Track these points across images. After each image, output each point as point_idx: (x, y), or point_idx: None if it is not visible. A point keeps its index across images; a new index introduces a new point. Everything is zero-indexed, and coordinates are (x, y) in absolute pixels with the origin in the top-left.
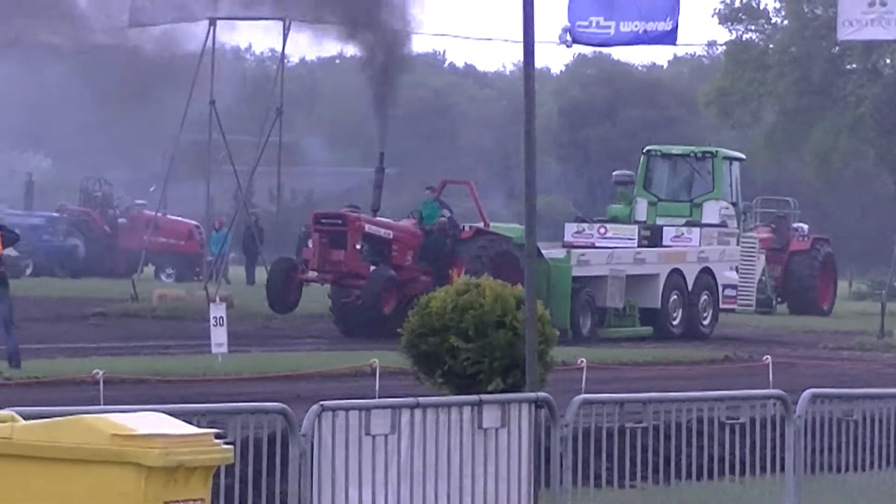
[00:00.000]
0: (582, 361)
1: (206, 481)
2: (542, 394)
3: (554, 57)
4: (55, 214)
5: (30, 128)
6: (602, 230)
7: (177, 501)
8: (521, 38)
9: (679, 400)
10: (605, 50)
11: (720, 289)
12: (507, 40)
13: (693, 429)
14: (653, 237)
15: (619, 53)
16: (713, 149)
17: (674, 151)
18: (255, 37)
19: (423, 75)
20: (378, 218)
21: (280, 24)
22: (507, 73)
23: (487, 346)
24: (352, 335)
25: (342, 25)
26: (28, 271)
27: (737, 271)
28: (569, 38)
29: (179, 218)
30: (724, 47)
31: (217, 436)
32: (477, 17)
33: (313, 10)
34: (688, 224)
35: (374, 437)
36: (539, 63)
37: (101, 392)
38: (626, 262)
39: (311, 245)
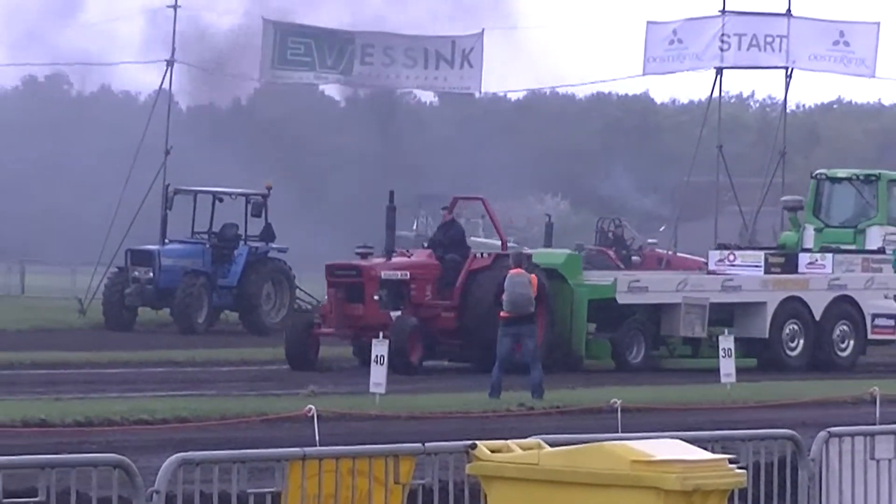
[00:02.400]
0: None
1: None
2: None
3: None
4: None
5: (551, 174)
6: (732, 257)
7: None
8: None
9: None
10: None
11: (868, 318)
12: None
13: None
14: (787, 264)
15: None
16: (877, 171)
17: (840, 175)
18: (759, 84)
19: None
20: (393, 259)
21: (782, 72)
22: None
23: None
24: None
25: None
26: None
27: None
28: None
29: (689, 255)
30: None
31: (730, 461)
32: None
33: (811, 62)
34: (822, 250)
35: (878, 461)
36: None
37: (618, 420)
38: (711, 290)
39: (327, 299)
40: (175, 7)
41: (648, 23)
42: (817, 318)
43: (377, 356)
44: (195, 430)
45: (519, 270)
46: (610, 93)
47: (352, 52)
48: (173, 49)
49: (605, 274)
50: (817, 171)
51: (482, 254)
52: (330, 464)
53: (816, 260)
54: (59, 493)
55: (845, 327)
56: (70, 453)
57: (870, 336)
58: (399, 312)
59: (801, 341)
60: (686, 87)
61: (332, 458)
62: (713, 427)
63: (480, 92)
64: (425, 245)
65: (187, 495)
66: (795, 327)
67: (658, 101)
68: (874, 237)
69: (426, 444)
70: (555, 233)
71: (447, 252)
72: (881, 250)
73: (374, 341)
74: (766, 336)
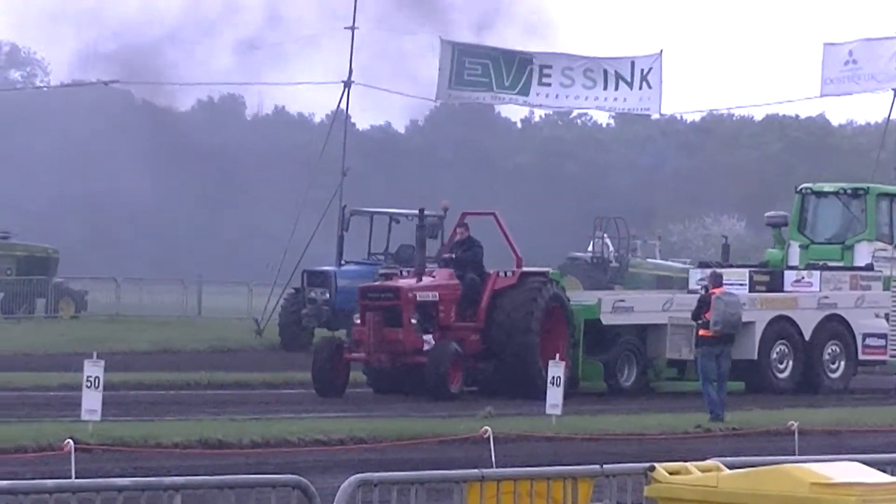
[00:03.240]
0: None
1: None
2: None
3: None
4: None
5: (727, 195)
6: None
7: None
8: None
9: None
10: None
11: (859, 338)
12: None
13: None
14: (773, 282)
15: None
16: (865, 185)
17: (826, 189)
18: None
19: None
20: (423, 280)
21: None
22: None
23: None
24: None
25: None
26: None
27: (887, 319)
28: None
29: None
30: None
31: None
32: None
33: None
34: (808, 267)
35: None
36: None
37: (795, 442)
38: None
39: (357, 321)
40: (353, 28)
41: (825, 44)
42: (807, 338)
43: (553, 377)
44: (371, 451)
45: (723, 290)
46: (785, 115)
47: (530, 73)
48: (350, 70)
49: (592, 293)
50: (802, 186)
51: (506, 272)
52: (508, 485)
53: (803, 277)
54: None
55: (836, 348)
56: (247, 474)
57: (861, 357)
58: (429, 336)
59: (791, 363)
60: (863, 108)
61: (510, 480)
62: (891, 450)
63: (660, 113)
64: (440, 263)
65: None
66: (784, 348)
67: (834, 122)
68: (862, 253)
69: (604, 466)
70: (731, 254)
71: (465, 271)
72: (870, 267)
73: (550, 363)
74: (755, 357)
